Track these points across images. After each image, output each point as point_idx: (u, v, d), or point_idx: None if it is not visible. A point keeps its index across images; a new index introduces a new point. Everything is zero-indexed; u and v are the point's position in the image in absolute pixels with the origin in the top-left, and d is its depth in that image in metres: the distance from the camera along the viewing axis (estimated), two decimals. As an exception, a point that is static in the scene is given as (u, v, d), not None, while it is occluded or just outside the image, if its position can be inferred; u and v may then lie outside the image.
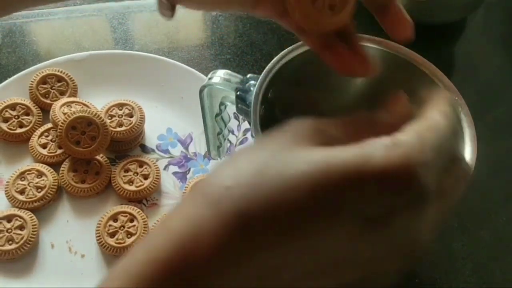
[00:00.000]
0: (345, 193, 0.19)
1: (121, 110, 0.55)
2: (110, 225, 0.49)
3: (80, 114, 0.51)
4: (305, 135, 0.22)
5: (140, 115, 0.55)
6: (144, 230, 0.49)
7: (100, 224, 0.49)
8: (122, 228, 0.49)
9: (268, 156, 0.21)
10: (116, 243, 0.48)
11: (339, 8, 0.29)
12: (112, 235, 0.48)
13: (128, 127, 0.54)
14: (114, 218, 0.49)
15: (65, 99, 0.56)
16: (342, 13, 0.29)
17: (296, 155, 0.20)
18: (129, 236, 0.49)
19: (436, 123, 0.22)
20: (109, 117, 0.55)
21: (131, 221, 0.49)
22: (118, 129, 0.54)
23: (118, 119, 0.55)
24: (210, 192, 0.20)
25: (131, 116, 0.55)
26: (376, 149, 0.20)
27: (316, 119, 0.23)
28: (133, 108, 0.55)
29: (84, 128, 0.51)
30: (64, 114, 0.53)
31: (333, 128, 0.23)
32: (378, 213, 0.20)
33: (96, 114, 0.52)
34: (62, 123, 0.51)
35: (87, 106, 0.56)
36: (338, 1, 0.29)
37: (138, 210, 0.50)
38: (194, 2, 0.32)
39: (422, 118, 0.23)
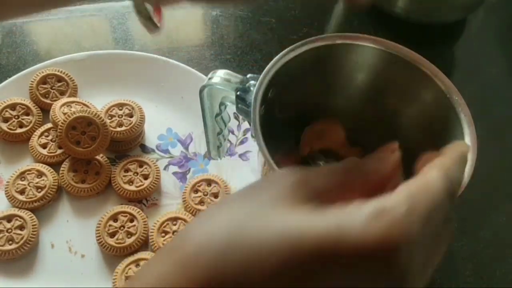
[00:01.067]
0: (313, 273, 0.18)
1: (121, 110, 0.55)
2: (110, 225, 0.49)
3: (80, 114, 0.51)
4: (287, 192, 0.20)
5: (140, 115, 0.55)
6: (144, 230, 0.49)
7: (100, 224, 0.49)
8: (122, 228, 0.49)
9: (244, 217, 0.20)
10: (116, 243, 0.48)
11: None
12: (112, 235, 0.48)
13: (128, 127, 0.54)
14: (114, 218, 0.49)
15: (65, 99, 0.56)
16: None
17: (271, 221, 0.19)
18: (129, 236, 0.49)
19: (432, 185, 0.20)
20: (109, 117, 0.55)
21: (131, 221, 0.49)
22: (118, 129, 0.54)
23: (118, 119, 0.55)
24: (181, 252, 0.21)
25: (131, 116, 0.55)
26: (355, 221, 0.18)
27: (305, 169, 0.22)
28: (133, 108, 0.55)
29: (84, 128, 0.51)
30: (64, 114, 0.53)
31: (320, 178, 0.21)
32: None
33: (96, 114, 0.52)
34: (62, 123, 0.51)
35: (87, 106, 0.56)
36: None
37: (138, 210, 0.50)
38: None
39: (419, 176, 0.21)
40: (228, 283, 0.19)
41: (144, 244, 0.49)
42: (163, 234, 0.49)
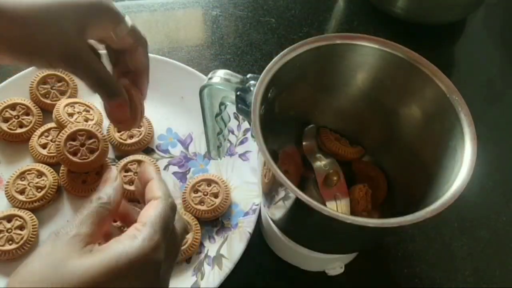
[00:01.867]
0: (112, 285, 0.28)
1: None
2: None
3: (83, 127, 0.51)
4: (70, 247, 0.29)
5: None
6: None
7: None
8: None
9: (49, 270, 0.28)
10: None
11: None
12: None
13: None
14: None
15: (68, 100, 0.56)
16: None
17: (69, 270, 0.28)
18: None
19: (160, 210, 0.32)
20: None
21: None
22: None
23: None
24: None
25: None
26: (121, 247, 0.29)
27: (70, 224, 0.31)
28: None
29: (84, 141, 0.51)
30: (69, 115, 0.53)
31: (84, 229, 0.31)
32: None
33: (98, 129, 0.52)
34: (62, 133, 0.51)
35: (90, 108, 0.56)
36: None
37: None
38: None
39: (152, 207, 0.33)
40: None
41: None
42: None
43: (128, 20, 0.42)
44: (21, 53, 0.37)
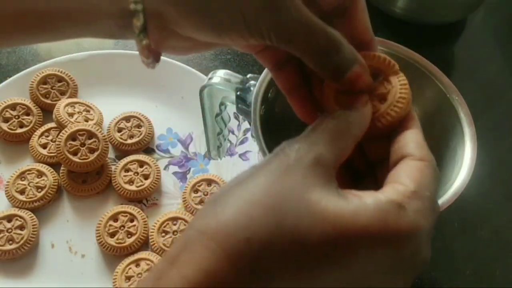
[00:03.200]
0: (359, 251, 0.21)
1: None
2: (110, 225, 0.49)
3: (83, 127, 0.51)
4: (311, 174, 0.22)
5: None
6: (144, 229, 0.49)
7: (100, 224, 0.49)
8: (122, 228, 0.49)
9: (281, 201, 0.21)
10: (116, 243, 0.48)
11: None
12: (112, 235, 0.49)
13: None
14: (114, 218, 0.49)
15: (68, 100, 0.56)
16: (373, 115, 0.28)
17: (312, 207, 0.21)
18: (129, 236, 0.49)
19: (427, 173, 0.24)
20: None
21: (131, 221, 0.49)
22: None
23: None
24: (229, 246, 0.21)
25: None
26: (389, 213, 0.22)
27: (304, 140, 0.24)
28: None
29: (84, 140, 0.51)
30: (69, 115, 0.53)
31: (328, 154, 0.23)
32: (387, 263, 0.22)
33: (98, 129, 0.52)
34: (63, 133, 0.51)
35: (90, 108, 0.56)
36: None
37: (138, 210, 0.50)
38: (172, 50, 0.30)
39: (418, 170, 0.24)
40: (274, 268, 0.20)
41: (144, 244, 0.49)
42: (163, 234, 0.49)
43: None
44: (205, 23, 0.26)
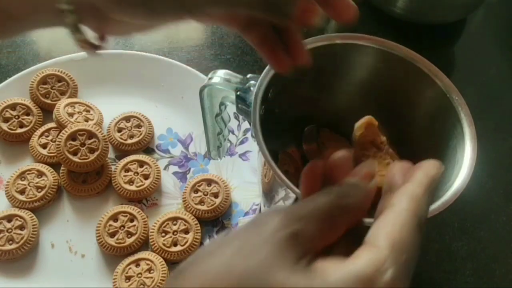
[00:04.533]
0: None
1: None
2: (110, 225, 0.49)
3: (83, 127, 0.51)
4: (282, 246, 0.21)
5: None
6: (144, 229, 0.49)
7: (100, 224, 0.49)
8: (122, 228, 0.49)
9: (244, 281, 0.20)
10: (116, 242, 0.48)
11: None
12: (112, 235, 0.49)
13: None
14: (114, 218, 0.49)
15: (68, 100, 0.56)
16: None
17: (272, 283, 0.20)
18: (129, 236, 0.49)
19: (407, 230, 0.22)
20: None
21: (131, 221, 0.49)
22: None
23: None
24: None
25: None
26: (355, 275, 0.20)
27: (288, 213, 0.22)
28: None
29: (84, 140, 0.51)
30: (69, 115, 0.53)
31: (308, 230, 0.22)
32: None
33: (98, 128, 0.52)
34: (63, 133, 0.51)
35: (90, 108, 0.56)
36: None
37: (138, 210, 0.50)
38: (118, 34, 0.32)
39: (391, 214, 0.22)
40: None
41: (144, 244, 0.49)
42: (163, 234, 0.49)
43: None
44: None
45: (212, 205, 0.51)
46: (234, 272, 0.20)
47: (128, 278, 0.46)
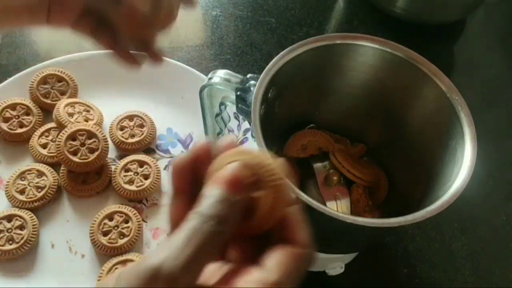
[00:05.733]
0: None
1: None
2: (105, 224, 0.49)
3: (83, 127, 0.51)
4: None
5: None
6: (137, 232, 0.49)
7: (95, 221, 0.49)
8: (116, 228, 0.49)
9: None
10: (108, 242, 0.48)
11: None
12: (105, 233, 0.48)
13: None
14: (110, 217, 0.49)
15: (68, 100, 0.56)
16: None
17: None
18: (121, 237, 0.48)
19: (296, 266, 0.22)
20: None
21: (126, 222, 0.49)
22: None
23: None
24: None
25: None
26: None
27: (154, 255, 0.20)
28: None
29: (84, 140, 0.51)
30: (69, 115, 0.53)
31: (174, 264, 0.20)
32: None
33: (98, 129, 0.52)
34: (63, 133, 0.51)
35: (90, 108, 0.56)
36: None
37: (135, 211, 0.50)
38: None
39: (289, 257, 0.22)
40: None
41: (135, 246, 0.49)
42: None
43: None
44: None
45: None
46: None
47: None
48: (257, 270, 0.22)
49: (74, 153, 0.51)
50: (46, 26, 0.38)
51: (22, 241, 0.47)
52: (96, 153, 0.51)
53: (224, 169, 0.22)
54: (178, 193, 0.24)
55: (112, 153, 0.55)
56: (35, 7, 0.35)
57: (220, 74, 0.40)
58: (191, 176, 0.24)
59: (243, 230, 0.23)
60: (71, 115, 0.54)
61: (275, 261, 0.22)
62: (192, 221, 0.21)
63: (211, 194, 0.21)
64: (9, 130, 0.54)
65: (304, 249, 0.23)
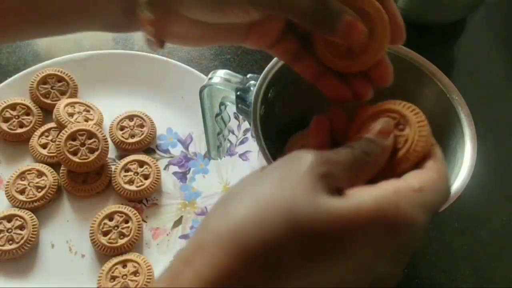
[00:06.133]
0: (362, 240, 0.22)
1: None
2: (105, 223, 0.49)
3: (83, 127, 0.51)
4: (318, 180, 0.23)
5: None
6: (137, 232, 0.49)
7: (95, 221, 0.49)
8: (116, 228, 0.49)
9: (293, 203, 0.22)
10: (108, 242, 0.48)
11: (357, 54, 0.31)
12: (105, 233, 0.48)
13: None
14: (110, 217, 0.49)
15: (68, 100, 0.56)
16: (361, 57, 0.31)
17: (322, 208, 0.22)
18: (121, 237, 0.48)
19: (439, 187, 0.25)
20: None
21: (126, 222, 0.49)
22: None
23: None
24: (243, 246, 0.21)
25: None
26: (388, 206, 0.23)
27: (319, 156, 0.24)
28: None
29: (84, 140, 0.51)
30: (69, 115, 0.53)
31: (340, 173, 0.24)
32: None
33: (98, 128, 0.52)
34: (63, 133, 0.51)
35: (90, 108, 0.56)
36: (357, 48, 0.30)
37: (135, 211, 0.50)
38: (181, 39, 0.32)
39: (427, 171, 0.26)
40: (289, 265, 0.21)
41: (135, 246, 0.49)
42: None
43: None
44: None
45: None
46: (283, 195, 0.22)
47: (113, 278, 0.46)
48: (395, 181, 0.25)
49: (74, 153, 0.51)
50: (242, 45, 0.33)
51: (22, 241, 0.47)
52: (96, 153, 0.51)
53: (377, 123, 0.28)
54: (315, 147, 0.28)
55: (112, 153, 0.55)
56: (232, 29, 0.31)
57: (220, 74, 0.40)
58: (328, 132, 0.30)
59: (388, 168, 0.27)
60: (71, 115, 0.54)
61: (413, 175, 0.25)
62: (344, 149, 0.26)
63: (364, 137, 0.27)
64: (9, 130, 0.54)
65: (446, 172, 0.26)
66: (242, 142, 0.56)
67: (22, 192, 0.50)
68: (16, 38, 0.34)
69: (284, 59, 0.34)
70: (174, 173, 0.54)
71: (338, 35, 0.29)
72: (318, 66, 0.33)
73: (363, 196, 0.23)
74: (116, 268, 0.46)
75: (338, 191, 0.24)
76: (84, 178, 0.52)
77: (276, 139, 0.44)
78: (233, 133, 0.56)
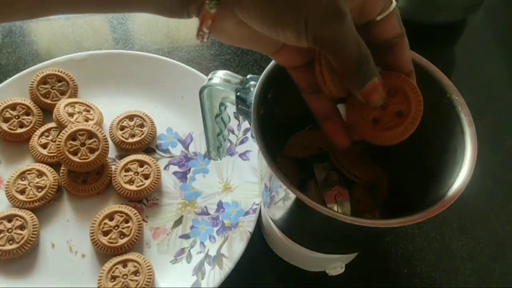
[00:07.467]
0: None
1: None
2: (105, 223, 0.49)
3: (83, 127, 0.51)
4: None
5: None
6: (138, 232, 0.49)
7: (95, 221, 0.49)
8: (116, 227, 0.49)
9: None
10: (108, 242, 0.48)
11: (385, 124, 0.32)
12: (105, 233, 0.48)
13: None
14: (110, 216, 0.49)
15: (68, 99, 0.56)
16: (392, 131, 0.32)
17: None
18: (122, 237, 0.48)
19: None
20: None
21: (126, 221, 0.49)
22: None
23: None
24: None
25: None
26: None
27: None
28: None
29: (84, 140, 0.51)
30: (69, 115, 0.53)
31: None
32: None
33: (98, 128, 0.52)
34: (63, 133, 0.51)
35: (90, 108, 0.56)
36: (384, 118, 0.32)
37: (135, 211, 0.50)
38: (223, 35, 0.32)
39: None
40: None
41: (135, 246, 0.49)
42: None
43: None
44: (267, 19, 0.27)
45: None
46: None
47: (114, 278, 0.46)
48: None
49: (74, 153, 0.51)
50: (270, 57, 0.33)
51: (22, 241, 0.47)
52: (96, 153, 0.51)
53: None
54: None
55: (112, 153, 0.55)
56: (271, 42, 0.31)
57: (220, 75, 0.40)
58: None
59: None
60: (71, 115, 0.54)
61: None
62: None
63: None
64: (9, 130, 0.54)
65: None
66: (242, 142, 0.56)
67: (22, 192, 0.50)
68: (67, 11, 0.32)
69: (301, 85, 0.34)
70: (174, 173, 0.54)
71: (361, 93, 0.29)
72: (332, 106, 0.33)
73: None
74: (117, 268, 0.46)
75: None
76: (84, 178, 0.52)
77: (276, 139, 0.44)
78: (233, 133, 0.56)
